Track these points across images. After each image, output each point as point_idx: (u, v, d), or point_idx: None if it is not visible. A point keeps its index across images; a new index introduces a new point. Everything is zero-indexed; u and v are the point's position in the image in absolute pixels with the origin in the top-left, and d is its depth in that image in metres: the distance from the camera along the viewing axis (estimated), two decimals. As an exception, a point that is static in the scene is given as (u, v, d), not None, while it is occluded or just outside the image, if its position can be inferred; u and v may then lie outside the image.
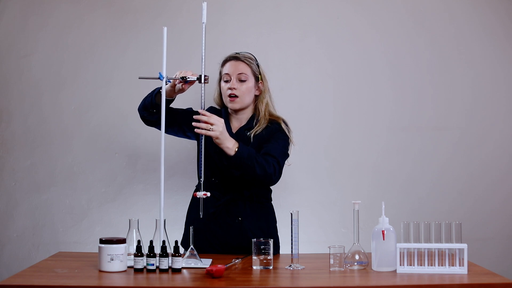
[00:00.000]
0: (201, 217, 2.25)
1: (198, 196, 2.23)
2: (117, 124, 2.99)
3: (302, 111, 3.01)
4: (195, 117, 2.26)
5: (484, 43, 3.07)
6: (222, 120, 2.28)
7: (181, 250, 2.26)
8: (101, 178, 2.98)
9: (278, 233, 2.55)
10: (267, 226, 2.50)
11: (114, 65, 2.99)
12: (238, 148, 2.29)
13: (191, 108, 2.60)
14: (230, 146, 2.29)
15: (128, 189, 2.99)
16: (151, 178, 2.97)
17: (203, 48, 2.26)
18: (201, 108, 2.29)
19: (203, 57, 2.27)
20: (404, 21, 3.05)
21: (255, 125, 2.48)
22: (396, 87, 3.05)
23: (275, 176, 2.37)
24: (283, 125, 2.49)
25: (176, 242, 2.07)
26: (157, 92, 2.41)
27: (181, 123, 2.52)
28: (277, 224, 2.56)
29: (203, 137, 2.27)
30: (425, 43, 3.05)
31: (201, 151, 2.28)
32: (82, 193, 2.98)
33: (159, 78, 2.24)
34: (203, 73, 2.26)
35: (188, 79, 2.30)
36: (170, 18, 2.97)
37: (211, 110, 2.57)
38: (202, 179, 2.26)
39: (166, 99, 2.31)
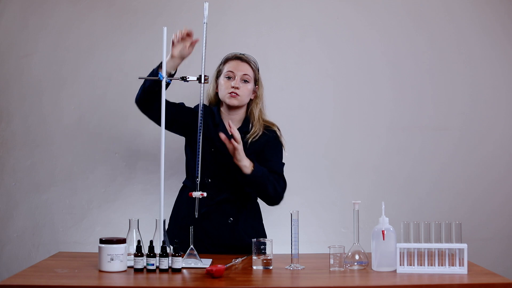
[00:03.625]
0: (196, 217, 2.25)
1: (194, 196, 2.23)
2: (117, 124, 2.99)
3: (302, 111, 3.01)
4: (229, 139, 2.30)
5: (484, 43, 3.07)
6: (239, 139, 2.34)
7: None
8: (101, 178, 2.98)
9: (266, 232, 2.58)
10: (258, 225, 2.53)
11: (114, 65, 2.99)
12: (254, 166, 2.35)
13: (183, 103, 2.57)
14: (247, 164, 2.35)
15: (128, 189, 2.99)
16: (151, 178, 2.97)
17: (204, 48, 2.26)
18: (201, 107, 2.28)
19: (203, 57, 2.27)
20: (404, 21, 3.05)
21: (251, 129, 2.49)
22: (396, 87, 3.05)
23: (283, 194, 2.46)
24: (278, 133, 2.52)
25: (176, 242, 2.07)
26: (159, 66, 2.35)
27: (180, 119, 2.49)
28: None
29: (201, 137, 2.27)
30: (425, 43, 3.05)
31: (199, 151, 2.28)
32: (82, 193, 2.98)
33: (159, 78, 2.24)
34: (203, 73, 2.26)
35: (188, 79, 2.30)
36: (170, 18, 2.97)
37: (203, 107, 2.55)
38: (198, 179, 2.26)
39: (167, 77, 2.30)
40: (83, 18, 2.98)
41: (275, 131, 2.52)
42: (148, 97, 2.37)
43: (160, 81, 2.25)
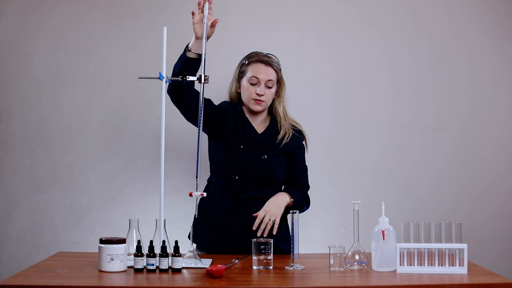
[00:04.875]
0: (196, 217, 2.26)
1: (194, 196, 2.22)
2: (117, 124, 2.99)
3: (302, 111, 3.00)
4: (256, 228, 2.38)
5: (484, 43, 3.07)
6: (265, 208, 2.40)
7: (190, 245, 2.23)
8: (101, 178, 2.98)
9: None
10: (284, 225, 2.51)
11: (114, 65, 2.99)
12: (291, 197, 2.45)
13: (210, 100, 2.52)
14: (287, 200, 2.45)
15: (128, 189, 2.99)
16: (151, 178, 2.97)
17: (204, 48, 2.26)
18: (201, 105, 2.27)
19: (203, 57, 2.27)
20: (404, 21, 3.05)
21: (280, 129, 2.52)
22: (396, 87, 3.05)
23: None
24: (307, 138, 2.59)
25: (176, 242, 2.06)
26: (185, 49, 2.37)
27: (206, 113, 2.40)
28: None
29: (201, 136, 2.26)
30: (425, 43, 3.05)
31: (198, 151, 2.27)
32: (82, 193, 2.98)
33: (159, 78, 2.24)
34: (203, 73, 2.26)
35: (187, 79, 2.29)
36: (170, 18, 2.97)
37: (226, 104, 2.56)
38: (198, 179, 2.26)
39: (191, 60, 2.34)
40: (83, 18, 2.98)
41: (304, 137, 2.58)
42: (180, 85, 2.36)
43: (188, 64, 2.33)
